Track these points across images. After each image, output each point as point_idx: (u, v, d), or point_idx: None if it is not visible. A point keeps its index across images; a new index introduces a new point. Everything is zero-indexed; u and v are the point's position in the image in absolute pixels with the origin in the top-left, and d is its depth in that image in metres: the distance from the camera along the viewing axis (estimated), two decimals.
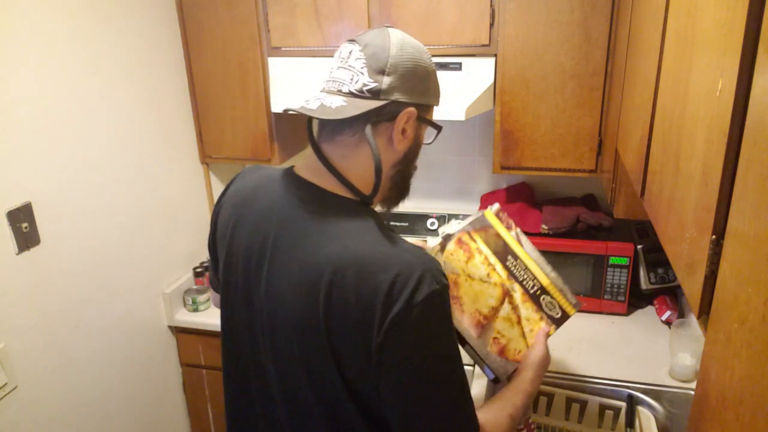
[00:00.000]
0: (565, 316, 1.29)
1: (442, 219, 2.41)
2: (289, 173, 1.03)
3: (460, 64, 1.91)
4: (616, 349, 1.84)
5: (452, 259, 1.26)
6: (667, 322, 1.94)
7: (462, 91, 1.86)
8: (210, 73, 2.18)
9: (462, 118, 1.75)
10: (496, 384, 1.27)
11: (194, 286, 2.28)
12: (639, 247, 1.99)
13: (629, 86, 1.40)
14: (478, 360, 1.23)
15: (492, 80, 1.91)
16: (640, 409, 1.52)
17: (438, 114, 1.80)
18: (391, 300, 0.84)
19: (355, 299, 0.86)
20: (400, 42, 0.95)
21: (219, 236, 1.10)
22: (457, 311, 1.22)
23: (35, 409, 1.63)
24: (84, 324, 1.79)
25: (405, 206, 2.50)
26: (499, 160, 2.00)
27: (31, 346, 1.61)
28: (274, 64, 2.10)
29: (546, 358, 1.20)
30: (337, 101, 0.94)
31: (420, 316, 0.84)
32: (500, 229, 1.30)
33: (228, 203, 1.09)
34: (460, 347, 1.10)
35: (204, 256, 2.40)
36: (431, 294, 0.85)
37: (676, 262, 0.81)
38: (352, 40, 0.98)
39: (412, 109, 0.95)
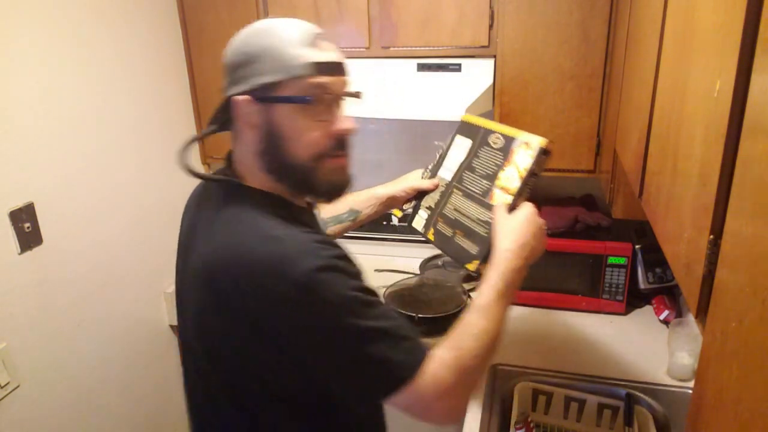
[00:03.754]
0: (540, 152, 1.23)
1: None
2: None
3: (459, 65, 1.92)
4: (614, 348, 1.84)
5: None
6: (665, 322, 1.94)
7: (461, 92, 1.86)
8: (211, 74, 2.18)
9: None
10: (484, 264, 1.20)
11: None
12: (637, 247, 2.00)
13: (627, 87, 1.40)
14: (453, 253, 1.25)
15: (491, 81, 1.91)
16: (639, 407, 1.52)
17: (438, 114, 1.82)
18: (270, 282, 0.85)
19: (236, 296, 0.87)
20: (232, 40, 0.98)
21: None
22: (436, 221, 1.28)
23: (37, 408, 1.63)
24: (86, 323, 1.80)
25: (405, 206, 2.50)
26: None
27: (33, 345, 1.61)
28: None
29: (506, 227, 1.14)
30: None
31: (301, 298, 0.85)
32: (479, 121, 1.35)
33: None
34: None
35: None
36: (312, 269, 0.85)
37: (674, 262, 0.81)
38: None
39: (243, 97, 0.94)
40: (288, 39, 0.94)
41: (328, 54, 0.97)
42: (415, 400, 0.90)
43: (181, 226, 1.14)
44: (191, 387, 1.10)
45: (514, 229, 1.13)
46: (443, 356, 0.93)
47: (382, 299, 0.95)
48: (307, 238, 0.90)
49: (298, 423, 0.99)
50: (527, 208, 1.18)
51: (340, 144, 0.98)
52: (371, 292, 0.93)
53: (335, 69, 0.98)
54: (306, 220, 1.05)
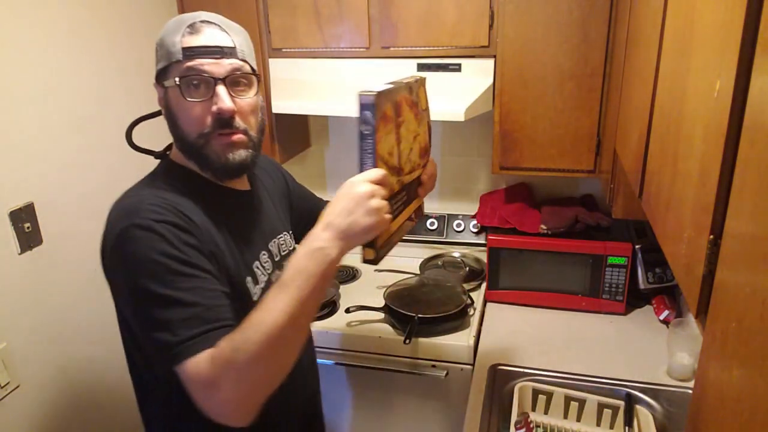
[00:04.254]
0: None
1: (442, 219, 2.41)
2: None
3: (459, 65, 1.92)
4: (614, 348, 1.84)
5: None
6: (665, 322, 1.94)
7: (461, 92, 1.86)
8: None
9: (461, 118, 1.75)
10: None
11: None
12: (637, 246, 2.00)
13: (627, 87, 1.40)
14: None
15: (491, 81, 1.91)
16: (639, 407, 1.52)
17: (438, 114, 1.82)
18: (106, 238, 1.00)
19: (101, 244, 1.03)
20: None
21: None
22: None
23: (37, 409, 1.63)
24: (86, 323, 1.80)
25: None
26: (498, 160, 2.01)
27: (33, 345, 1.61)
28: (275, 65, 2.10)
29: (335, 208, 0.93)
30: None
31: (119, 244, 0.95)
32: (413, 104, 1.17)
33: None
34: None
35: None
36: (126, 227, 0.95)
37: (674, 262, 0.81)
38: None
39: (154, 85, 1.09)
40: (171, 28, 1.05)
41: (202, 39, 1.03)
42: (187, 385, 0.90)
43: None
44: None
45: (331, 206, 0.94)
46: (220, 345, 0.90)
47: (208, 276, 0.97)
48: (150, 199, 0.99)
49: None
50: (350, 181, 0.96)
51: (221, 123, 1.03)
52: (189, 264, 0.95)
53: (210, 52, 1.03)
54: (221, 195, 1.14)
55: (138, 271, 0.93)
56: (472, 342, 1.87)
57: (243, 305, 1.02)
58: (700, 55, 0.74)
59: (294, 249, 1.33)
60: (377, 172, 0.96)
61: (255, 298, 1.12)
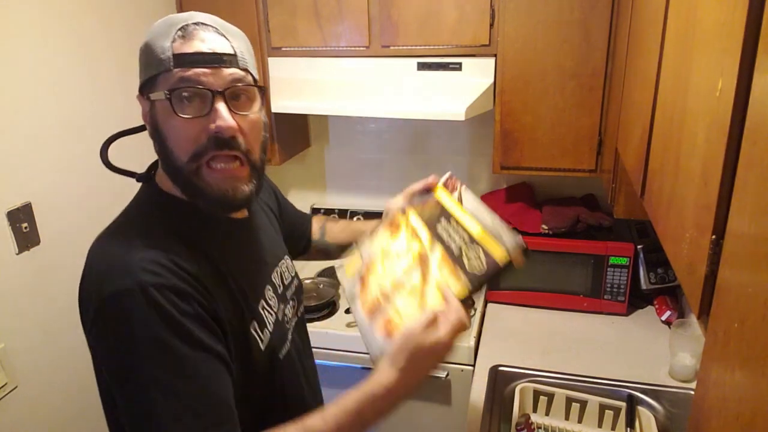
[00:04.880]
0: (493, 266, 0.96)
1: None
2: None
3: (460, 64, 1.91)
4: (616, 349, 1.84)
5: (375, 243, 1.16)
6: (667, 322, 1.94)
7: (462, 91, 1.86)
8: None
9: (462, 117, 1.75)
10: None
11: None
12: (639, 247, 1.99)
13: (629, 86, 1.40)
14: (366, 343, 1.04)
15: (492, 80, 1.91)
16: (640, 409, 1.52)
17: (438, 114, 1.82)
18: (90, 294, 0.83)
19: (80, 293, 0.87)
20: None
21: None
22: (360, 300, 1.08)
23: (35, 409, 1.63)
24: None
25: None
26: (499, 160, 2.00)
27: (31, 346, 1.61)
28: (274, 64, 2.10)
29: (407, 352, 0.88)
30: None
31: (106, 316, 0.80)
32: (441, 195, 1.15)
33: None
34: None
35: None
36: (117, 292, 0.79)
37: (676, 262, 0.81)
38: None
39: (138, 97, 0.95)
40: (159, 31, 0.88)
41: (197, 44, 0.86)
42: None
43: None
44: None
45: (413, 351, 0.89)
46: None
47: (210, 356, 0.83)
48: (142, 252, 0.83)
49: None
50: (446, 329, 0.91)
51: (218, 143, 0.87)
52: (191, 342, 0.81)
53: (207, 60, 0.86)
54: (218, 228, 0.98)
55: (130, 349, 0.79)
56: (472, 343, 1.86)
57: (248, 356, 0.94)
58: (702, 54, 0.74)
59: (296, 274, 1.21)
60: (426, 317, 0.91)
61: (263, 345, 0.98)
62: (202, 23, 0.88)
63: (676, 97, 0.87)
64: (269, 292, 1.05)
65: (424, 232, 1.09)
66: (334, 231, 1.45)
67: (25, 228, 1.55)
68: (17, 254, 1.54)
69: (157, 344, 0.79)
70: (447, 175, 1.21)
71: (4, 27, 1.49)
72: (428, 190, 1.22)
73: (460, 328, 0.91)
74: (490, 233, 1.01)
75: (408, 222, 1.14)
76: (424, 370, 0.90)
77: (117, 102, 1.88)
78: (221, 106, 0.86)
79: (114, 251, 0.86)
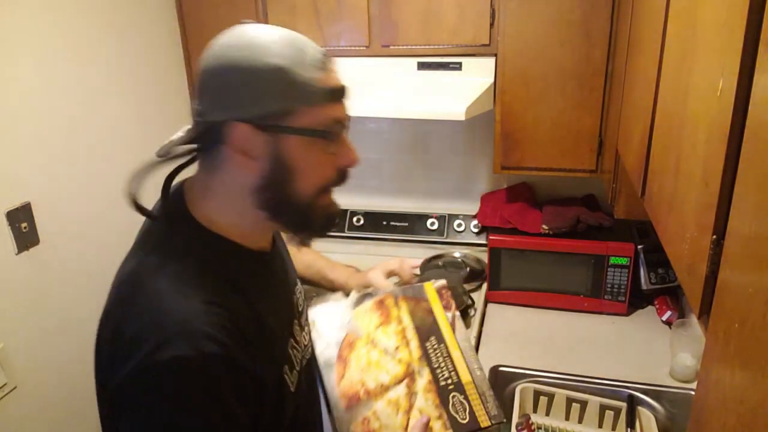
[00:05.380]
0: (473, 426, 0.99)
1: (442, 219, 2.40)
2: None
3: (460, 63, 1.91)
4: (616, 349, 1.84)
5: (361, 319, 1.14)
6: (668, 323, 1.93)
7: (462, 91, 1.86)
8: None
9: (462, 117, 1.75)
10: None
11: None
12: (639, 247, 1.99)
13: (630, 86, 1.40)
14: (332, 425, 1.05)
15: (492, 80, 1.91)
16: (641, 409, 1.52)
17: (438, 114, 1.81)
18: (131, 352, 0.74)
19: (109, 340, 0.81)
20: (211, 54, 0.83)
21: None
22: (336, 373, 1.07)
23: (34, 410, 1.63)
24: (84, 324, 1.79)
25: (405, 206, 2.50)
26: (500, 160, 2.00)
27: (30, 346, 1.61)
28: None
29: None
30: (180, 132, 0.83)
31: (155, 379, 0.72)
32: (435, 305, 1.15)
33: None
34: (325, 413, 1.04)
35: None
36: (175, 358, 0.71)
37: (677, 262, 0.81)
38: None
39: (241, 125, 0.77)
40: (299, 59, 0.78)
41: (336, 77, 0.83)
42: None
43: None
44: None
45: None
46: None
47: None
48: (199, 308, 0.75)
49: None
50: None
51: (344, 177, 0.87)
52: (230, 420, 0.75)
53: (345, 95, 0.84)
54: (257, 267, 0.91)
55: (165, 418, 0.72)
56: (473, 343, 1.86)
57: (281, 403, 0.89)
58: (702, 54, 0.74)
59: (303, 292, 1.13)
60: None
61: (293, 387, 0.92)
62: (325, 51, 0.83)
63: (676, 97, 0.86)
64: (296, 327, 0.99)
65: (413, 342, 1.09)
66: (298, 265, 1.20)
67: (25, 228, 1.55)
68: (17, 254, 1.54)
69: (196, 420, 0.73)
70: (441, 282, 1.19)
71: (4, 27, 1.49)
72: (415, 273, 1.27)
73: None
74: (477, 390, 1.02)
75: (399, 317, 1.12)
76: None
77: (117, 100, 1.88)
78: (351, 142, 0.86)
79: (171, 303, 0.76)
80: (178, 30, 2.15)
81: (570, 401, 1.59)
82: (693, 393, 1.03)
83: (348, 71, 2.09)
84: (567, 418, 1.60)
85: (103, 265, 1.86)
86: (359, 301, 1.17)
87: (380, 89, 1.97)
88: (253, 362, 0.79)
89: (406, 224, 2.45)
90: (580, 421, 1.59)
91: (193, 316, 0.74)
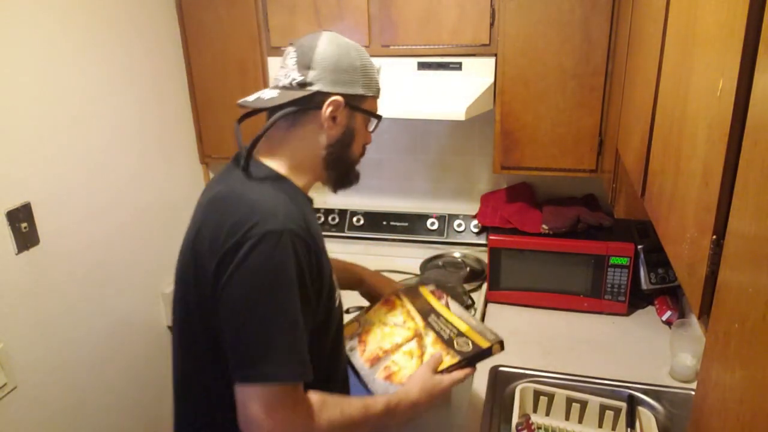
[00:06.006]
0: (479, 350, 1.25)
1: (442, 219, 2.40)
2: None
3: (460, 63, 1.91)
4: (616, 349, 1.83)
5: (372, 314, 1.41)
6: (668, 323, 1.93)
7: (462, 91, 1.86)
8: (210, 73, 2.18)
9: (462, 117, 1.75)
10: None
11: None
12: (639, 247, 1.99)
13: (630, 86, 1.40)
14: (363, 384, 1.26)
15: (492, 80, 1.91)
16: (641, 409, 1.52)
17: (438, 114, 1.81)
18: (233, 231, 0.96)
19: (211, 228, 1.00)
20: (327, 41, 1.09)
21: None
22: (359, 351, 1.31)
23: (35, 409, 1.63)
24: (83, 324, 1.79)
25: (405, 206, 2.49)
26: (500, 160, 2.00)
27: (30, 346, 1.61)
28: (274, 63, 2.10)
29: (422, 382, 1.17)
30: (272, 94, 1.09)
31: (251, 246, 0.94)
32: (431, 299, 1.42)
33: None
34: (351, 373, 1.28)
35: None
36: (269, 233, 0.95)
37: (677, 262, 0.81)
38: (291, 44, 1.13)
39: (338, 97, 1.08)
40: (375, 65, 1.17)
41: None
42: (248, 401, 0.94)
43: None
44: (179, 346, 1.17)
45: (430, 390, 1.18)
46: (321, 413, 0.99)
47: (313, 306, 1.02)
48: (285, 205, 1.01)
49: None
50: (446, 384, 1.21)
51: (365, 151, 1.23)
52: (308, 287, 1.00)
53: None
54: (308, 209, 1.14)
55: (271, 279, 0.95)
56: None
57: (331, 307, 1.14)
58: (702, 54, 0.74)
59: None
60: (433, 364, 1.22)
61: (337, 303, 1.18)
62: None
63: (676, 97, 0.86)
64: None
65: (417, 317, 1.36)
66: None
67: (25, 228, 1.55)
68: (17, 254, 1.54)
69: (295, 284, 0.96)
70: (432, 287, 1.47)
71: (4, 28, 1.49)
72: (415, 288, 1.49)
73: (457, 382, 1.22)
74: (475, 330, 1.30)
75: (404, 304, 1.40)
76: (432, 400, 1.17)
77: (117, 101, 1.88)
78: None
79: (270, 198, 1.02)
80: (178, 30, 2.15)
81: (570, 401, 1.59)
82: (693, 393, 1.03)
83: None
84: (567, 418, 1.60)
85: (103, 265, 1.86)
86: (369, 308, 1.44)
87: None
88: (319, 254, 1.04)
89: (406, 224, 2.45)
90: (580, 421, 1.59)
91: (280, 208, 1.00)
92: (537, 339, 1.91)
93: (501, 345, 1.26)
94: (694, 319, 1.73)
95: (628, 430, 1.46)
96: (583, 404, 1.58)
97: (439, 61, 1.93)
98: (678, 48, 0.89)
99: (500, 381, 1.68)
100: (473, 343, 1.26)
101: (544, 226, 2.01)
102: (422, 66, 1.95)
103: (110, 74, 1.85)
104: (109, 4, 1.82)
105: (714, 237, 0.63)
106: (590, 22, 1.77)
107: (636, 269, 2.00)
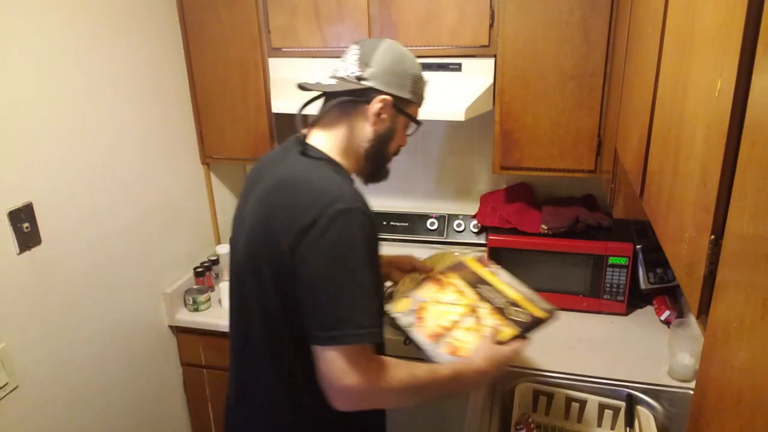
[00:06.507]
0: (536, 320, 1.33)
1: (442, 219, 2.41)
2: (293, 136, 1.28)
3: (459, 64, 1.91)
4: (615, 348, 1.84)
5: (423, 291, 1.46)
6: (667, 322, 1.94)
7: (462, 92, 1.86)
8: (210, 74, 2.18)
9: (462, 118, 1.75)
10: None
11: (195, 286, 2.28)
12: (638, 247, 2.00)
13: (628, 87, 1.40)
14: (428, 358, 1.31)
15: (491, 81, 1.91)
16: (640, 408, 1.52)
17: (438, 114, 1.81)
18: (307, 211, 1.05)
19: (287, 210, 1.09)
20: (388, 46, 1.21)
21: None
22: (418, 327, 1.36)
23: (36, 409, 1.63)
24: (85, 324, 1.79)
25: (405, 206, 2.50)
26: (499, 160, 2.01)
27: (31, 346, 1.61)
28: (275, 64, 2.10)
29: (486, 352, 1.25)
30: (330, 81, 1.22)
31: (326, 224, 1.04)
32: (477, 268, 1.49)
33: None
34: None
35: (204, 256, 2.40)
36: (341, 210, 1.04)
37: (675, 262, 0.81)
38: (355, 43, 1.24)
39: (387, 96, 1.19)
40: (425, 78, 1.29)
41: None
42: (329, 363, 1.05)
43: (246, 183, 1.31)
44: (244, 324, 1.23)
45: (494, 358, 1.26)
46: (391, 371, 1.10)
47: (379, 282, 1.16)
48: (349, 186, 1.14)
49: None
50: (508, 353, 1.29)
51: (398, 151, 1.33)
52: (377, 259, 1.12)
53: None
54: None
55: (348, 252, 1.05)
56: None
57: (381, 290, 1.27)
58: (700, 55, 0.74)
59: None
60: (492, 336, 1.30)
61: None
62: None
63: (675, 97, 0.87)
64: None
65: (469, 291, 1.42)
66: None
67: (27, 228, 1.55)
68: (18, 254, 1.54)
69: (366, 256, 1.06)
70: (477, 254, 1.56)
71: (5, 28, 1.49)
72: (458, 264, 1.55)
73: (516, 351, 1.29)
74: (527, 299, 1.38)
75: (451, 282, 1.46)
76: (496, 368, 1.25)
77: (119, 101, 1.88)
78: None
79: (336, 181, 1.13)
80: (179, 31, 2.15)
81: (569, 401, 1.59)
82: (691, 392, 1.03)
83: None
84: (566, 418, 1.60)
85: (105, 264, 1.87)
86: (419, 282, 1.50)
87: None
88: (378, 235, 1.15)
89: (406, 224, 2.45)
90: (579, 421, 1.59)
91: (347, 189, 1.11)
92: (536, 339, 1.90)
93: (554, 314, 1.35)
94: (692, 318, 1.73)
95: (627, 429, 1.46)
96: (582, 403, 1.58)
97: (438, 61, 1.94)
98: (676, 49, 0.89)
99: (499, 380, 1.68)
100: (529, 313, 1.34)
101: (543, 227, 2.02)
102: (422, 66, 1.95)
103: (112, 75, 1.85)
104: (110, 6, 1.82)
105: (712, 237, 0.63)
106: (589, 24, 1.78)
107: (635, 269, 2.00)
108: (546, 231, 2.01)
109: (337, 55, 2.04)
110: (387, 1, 1.92)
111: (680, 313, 1.95)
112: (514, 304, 1.37)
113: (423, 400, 1.17)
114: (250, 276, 1.16)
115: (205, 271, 2.29)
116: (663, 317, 1.96)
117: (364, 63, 1.19)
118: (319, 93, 1.27)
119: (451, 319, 1.35)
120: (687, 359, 1.65)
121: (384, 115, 1.20)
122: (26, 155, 1.56)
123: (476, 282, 1.44)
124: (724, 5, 0.65)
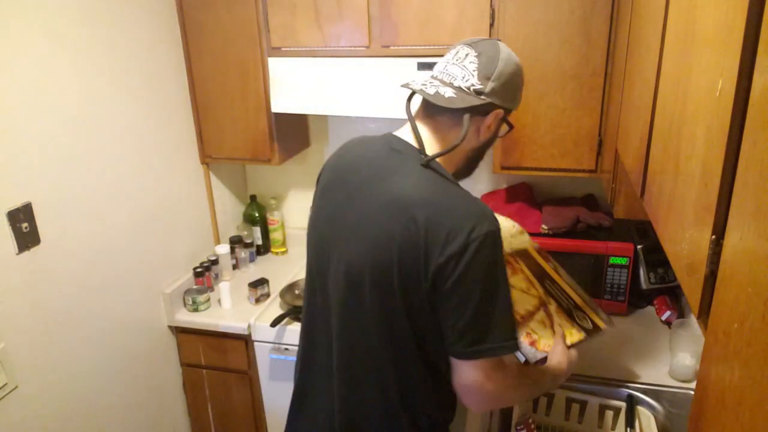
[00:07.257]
0: (596, 329, 1.39)
1: None
2: (386, 134, 1.28)
3: None
4: (615, 349, 1.84)
5: None
6: (667, 322, 1.94)
7: None
8: (210, 74, 2.18)
9: None
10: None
11: (194, 286, 2.28)
12: (639, 247, 1.99)
13: (629, 86, 1.40)
14: None
15: None
16: (640, 409, 1.52)
17: None
18: (454, 234, 1.06)
19: (431, 232, 1.08)
20: (507, 57, 1.19)
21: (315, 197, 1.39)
22: None
23: (35, 409, 1.63)
24: (84, 324, 1.79)
25: None
26: (499, 160, 2.00)
27: (31, 346, 1.61)
28: (274, 64, 2.10)
29: (564, 354, 1.33)
30: (449, 92, 1.17)
31: (477, 248, 1.06)
32: (539, 260, 1.52)
33: (327, 166, 1.36)
34: None
35: (204, 256, 2.40)
36: (487, 233, 1.07)
37: (676, 262, 0.81)
38: (469, 45, 1.21)
39: (500, 110, 1.20)
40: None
41: None
42: (467, 371, 1.13)
43: (332, 175, 1.32)
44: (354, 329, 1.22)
45: (571, 361, 1.34)
46: (509, 371, 1.19)
47: None
48: (490, 211, 1.13)
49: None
50: (575, 356, 1.36)
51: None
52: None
53: None
54: None
55: (496, 272, 1.10)
56: None
57: None
58: (702, 55, 0.74)
59: None
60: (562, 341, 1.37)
61: None
62: None
63: (675, 97, 0.87)
64: None
65: (536, 283, 1.44)
66: None
67: (26, 228, 1.55)
68: (17, 254, 1.54)
69: (505, 271, 1.13)
70: (536, 245, 1.56)
71: (5, 28, 1.49)
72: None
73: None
74: (588, 305, 1.43)
75: (521, 269, 1.47)
76: (570, 371, 1.33)
77: (118, 101, 1.88)
78: None
79: (472, 199, 1.14)
80: (178, 31, 2.15)
81: (570, 401, 1.59)
82: (692, 393, 1.03)
83: (348, 71, 2.10)
84: (567, 418, 1.60)
85: (104, 264, 1.86)
86: None
87: (380, 90, 1.97)
88: None
89: None
90: (579, 421, 1.59)
91: (484, 208, 1.12)
92: None
93: (611, 326, 1.41)
94: (693, 318, 1.73)
95: (628, 429, 1.46)
96: (583, 404, 1.58)
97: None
98: (677, 48, 0.89)
99: None
100: (591, 321, 1.40)
101: (543, 226, 2.02)
102: (422, 66, 1.95)
103: (111, 75, 1.85)
104: (109, 6, 1.82)
105: (713, 237, 0.63)
106: (590, 23, 1.77)
107: (635, 269, 2.00)
108: (546, 231, 2.01)
109: (337, 55, 2.05)
110: (387, 1, 1.91)
111: (681, 314, 1.95)
112: (578, 307, 1.42)
113: (529, 398, 1.37)
114: (371, 296, 1.15)
115: (204, 272, 2.29)
116: (664, 317, 1.95)
117: (485, 76, 1.16)
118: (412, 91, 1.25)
119: (525, 308, 1.38)
120: (688, 360, 1.65)
121: (492, 126, 1.22)
122: (25, 155, 1.56)
123: (542, 276, 1.47)
124: (725, 5, 0.64)
